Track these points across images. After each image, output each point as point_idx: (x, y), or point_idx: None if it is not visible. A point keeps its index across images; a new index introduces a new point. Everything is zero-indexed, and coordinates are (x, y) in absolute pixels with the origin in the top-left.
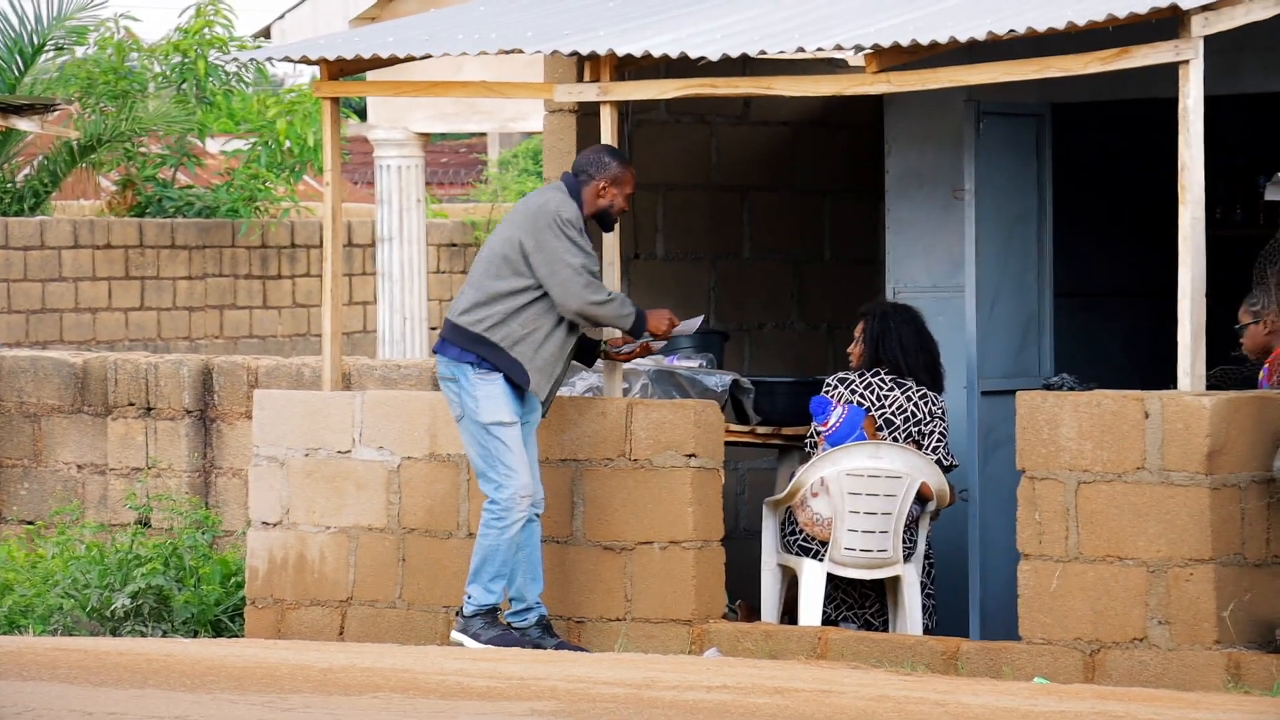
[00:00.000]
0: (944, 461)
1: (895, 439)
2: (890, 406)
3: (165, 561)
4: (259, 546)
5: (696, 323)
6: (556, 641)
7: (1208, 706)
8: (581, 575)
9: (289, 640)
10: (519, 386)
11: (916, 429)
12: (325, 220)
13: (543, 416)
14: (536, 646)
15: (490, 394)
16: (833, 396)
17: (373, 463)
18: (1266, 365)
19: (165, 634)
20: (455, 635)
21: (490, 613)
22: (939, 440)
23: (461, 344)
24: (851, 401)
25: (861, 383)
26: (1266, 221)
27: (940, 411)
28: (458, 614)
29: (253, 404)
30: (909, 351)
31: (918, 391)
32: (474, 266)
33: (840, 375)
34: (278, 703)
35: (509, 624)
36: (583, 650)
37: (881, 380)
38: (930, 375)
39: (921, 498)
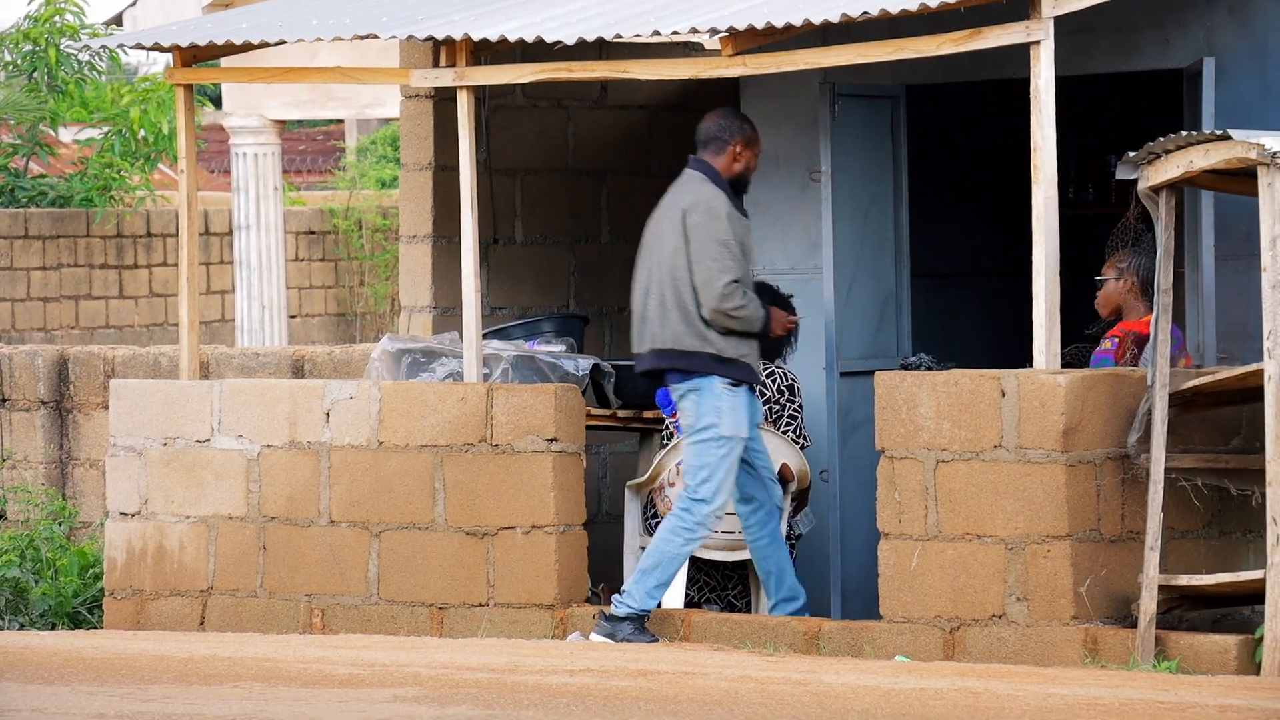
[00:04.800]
0: (796, 440)
1: None
2: None
3: (21, 554)
4: (117, 537)
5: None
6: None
7: (1065, 681)
8: (444, 561)
9: (149, 631)
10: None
11: (766, 407)
12: (181, 208)
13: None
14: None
15: (735, 405)
16: None
17: (232, 451)
18: (1113, 337)
19: (22, 627)
20: (596, 637)
21: (641, 618)
22: (790, 421)
23: (693, 368)
24: None
25: None
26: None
27: (790, 388)
28: (600, 614)
29: (109, 394)
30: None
31: (764, 371)
32: (648, 295)
33: None
34: (137, 694)
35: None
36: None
37: None
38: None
39: (782, 479)
